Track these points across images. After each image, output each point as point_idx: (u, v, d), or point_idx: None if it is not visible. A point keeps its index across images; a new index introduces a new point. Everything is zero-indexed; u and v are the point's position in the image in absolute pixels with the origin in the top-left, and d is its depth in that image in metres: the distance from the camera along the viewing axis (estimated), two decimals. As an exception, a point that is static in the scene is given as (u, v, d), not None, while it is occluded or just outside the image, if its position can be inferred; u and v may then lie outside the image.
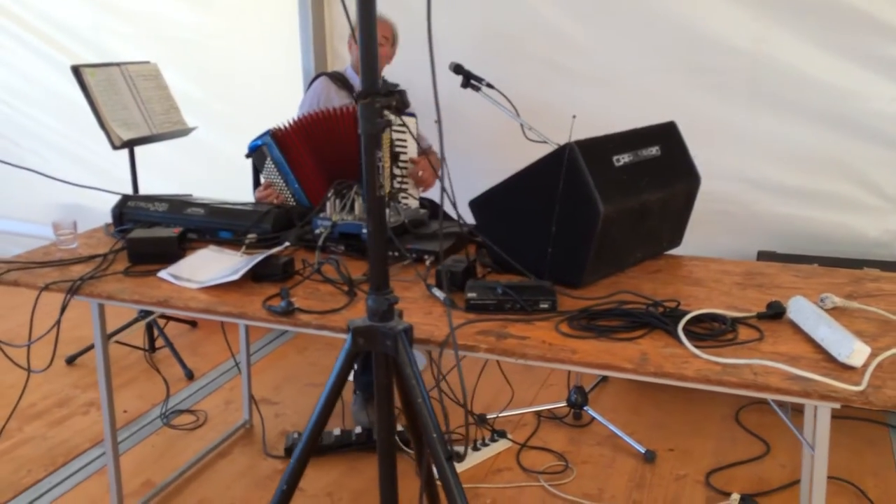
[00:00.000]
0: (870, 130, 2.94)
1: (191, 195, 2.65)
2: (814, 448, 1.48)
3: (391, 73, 3.21)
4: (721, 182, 3.18)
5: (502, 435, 2.70)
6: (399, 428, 2.74)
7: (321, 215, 2.23)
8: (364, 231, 2.16)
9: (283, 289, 1.85)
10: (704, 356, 1.52)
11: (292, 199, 2.56)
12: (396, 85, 3.21)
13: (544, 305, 1.76)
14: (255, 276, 1.97)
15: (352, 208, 2.25)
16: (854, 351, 1.44)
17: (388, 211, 2.20)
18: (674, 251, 2.21)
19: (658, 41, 3.15)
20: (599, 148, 1.91)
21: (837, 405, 1.40)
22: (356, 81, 3.03)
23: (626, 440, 2.67)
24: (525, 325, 1.69)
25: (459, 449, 2.62)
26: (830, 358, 1.49)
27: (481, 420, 2.81)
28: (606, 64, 3.26)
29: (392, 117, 3.00)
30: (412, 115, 3.07)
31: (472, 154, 3.49)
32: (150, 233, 2.16)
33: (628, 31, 3.19)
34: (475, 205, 2.08)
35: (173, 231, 2.16)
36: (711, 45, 3.06)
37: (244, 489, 2.47)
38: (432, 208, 3.03)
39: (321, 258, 2.04)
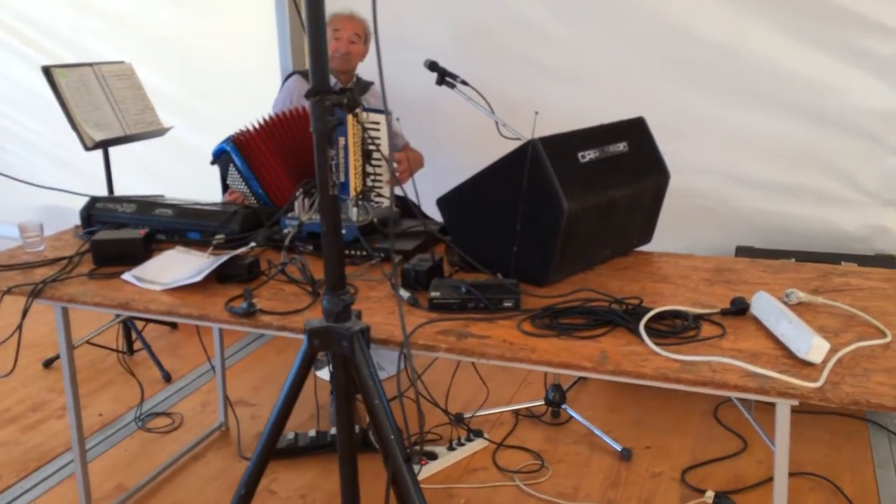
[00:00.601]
0: (848, 124, 2.93)
1: (162, 196, 2.63)
2: (775, 445, 1.46)
3: (366, 70, 3.19)
4: (700, 177, 3.17)
5: (478, 434, 2.68)
6: (375, 428, 2.73)
7: (289, 215, 2.21)
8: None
9: (246, 290, 1.82)
10: (664, 354, 1.50)
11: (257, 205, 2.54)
12: (371, 82, 3.22)
13: (508, 304, 1.74)
14: (220, 277, 1.95)
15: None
16: (812, 347, 1.42)
17: (355, 210, 2.18)
18: (647, 247, 2.19)
19: (637, 37, 3.13)
20: (564, 144, 1.89)
21: (795, 402, 1.38)
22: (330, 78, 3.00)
23: (603, 438, 2.65)
24: (487, 325, 1.68)
25: (434, 449, 2.62)
26: (791, 354, 1.48)
27: (458, 419, 2.80)
28: (585, 60, 3.24)
29: (364, 115, 3.00)
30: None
31: (450, 151, 3.47)
32: (115, 234, 2.14)
33: (607, 27, 3.17)
34: (443, 203, 2.07)
35: (139, 232, 2.14)
36: (690, 40, 3.04)
37: (217, 492, 2.45)
38: (405, 206, 3.02)
39: (286, 258, 2.02)
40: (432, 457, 2.55)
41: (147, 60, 3.87)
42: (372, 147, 3.04)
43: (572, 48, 3.24)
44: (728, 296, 1.75)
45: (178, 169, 4.06)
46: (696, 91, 3.10)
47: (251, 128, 2.52)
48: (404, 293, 1.83)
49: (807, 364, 1.44)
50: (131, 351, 3.44)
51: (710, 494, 2.32)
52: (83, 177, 4.11)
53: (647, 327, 1.60)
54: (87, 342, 3.38)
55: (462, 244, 2.03)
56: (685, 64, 3.09)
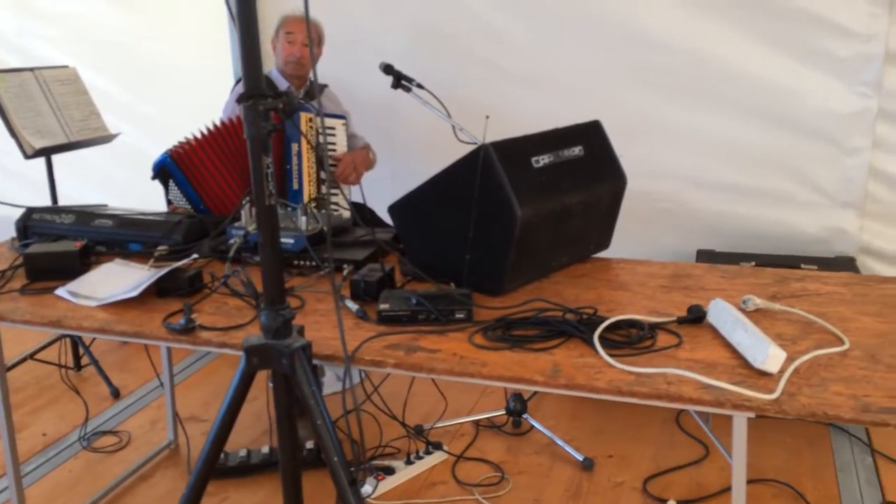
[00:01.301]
0: (807, 126, 2.92)
1: (105, 205, 2.53)
2: (731, 457, 1.42)
3: (324, 73, 3.11)
4: (661, 180, 3.14)
5: (437, 447, 2.61)
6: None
7: (236, 224, 2.12)
8: (281, 240, 2.07)
9: (186, 304, 1.74)
10: (618, 366, 1.45)
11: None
12: (325, 85, 3.14)
13: (460, 315, 1.68)
14: (160, 291, 1.86)
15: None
16: (768, 356, 1.38)
17: (304, 218, 2.11)
18: (607, 252, 2.14)
19: (599, 40, 3.10)
20: (517, 149, 1.84)
21: (751, 415, 1.34)
22: (281, 83, 2.92)
23: (565, 448, 2.60)
24: (438, 337, 1.61)
25: (391, 463, 2.55)
26: (747, 364, 1.43)
27: (417, 431, 2.73)
28: (548, 64, 3.20)
29: (319, 120, 2.92)
30: (341, 116, 2.98)
31: (411, 155, 3.41)
32: (50, 247, 2.03)
33: (569, 31, 3.13)
34: (394, 209, 2.00)
35: (75, 245, 2.04)
36: (651, 44, 3.01)
37: (164, 514, 2.35)
38: (362, 213, 2.95)
39: (229, 270, 1.94)
40: (389, 471, 2.47)
41: (97, 65, 3.76)
42: (329, 153, 2.97)
43: (535, 52, 3.19)
44: (685, 303, 1.70)
45: (130, 176, 3.93)
46: (657, 94, 3.07)
47: (192, 139, 2.42)
48: (353, 305, 1.76)
49: (763, 374, 1.40)
50: (79, 366, 3.31)
51: (672, 503, 2.28)
52: (31, 185, 3.97)
53: (602, 337, 1.55)
54: (32, 358, 3.24)
55: (415, 253, 1.97)
56: (647, 68, 3.06)
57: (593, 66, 3.12)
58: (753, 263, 2.83)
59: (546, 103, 3.19)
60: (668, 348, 1.53)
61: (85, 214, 2.25)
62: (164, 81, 3.75)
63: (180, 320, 1.67)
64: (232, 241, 2.07)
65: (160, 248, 2.10)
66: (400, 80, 2.83)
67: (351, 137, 3.01)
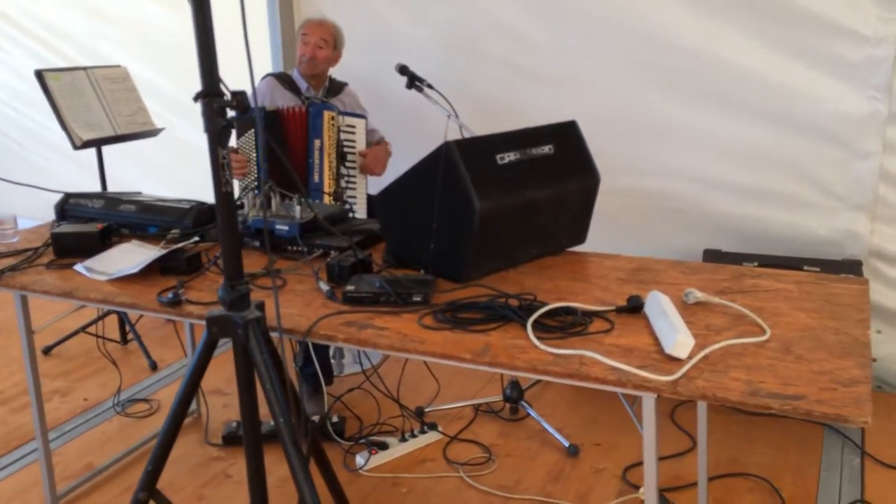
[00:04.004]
0: (818, 129, 2.92)
1: (139, 193, 2.78)
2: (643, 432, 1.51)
3: (346, 73, 3.30)
4: (672, 180, 3.19)
5: (432, 427, 2.76)
6: (335, 419, 2.83)
7: (239, 212, 2.32)
8: (278, 227, 2.27)
9: (179, 280, 1.95)
10: (542, 347, 1.56)
11: (252, 177, 2.62)
12: (345, 83, 3.32)
13: (417, 299, 1.82)
14: (163, 269, 2.08)
15: (270, 203, 2.34)
16: (676, 343, 1.47)
17: (298, 208, 2.29)
18: (604, 248, 2.21)
19: (613, 42, 3.17)
20: (482, 146, 1.96)
21: (653, 395, 1.43)
22: (301, 83, 3.12)
23: (553, 434, 2.70)
24: (392, 318, 1.76)
25: (386, 440, 2.71)
26: (662, 350, 1.52)
27: (419, 413, 2.88)
28: (563, 64, 3.29)
29: (341, 118, 3.10)
30: (362, 116, 3.16)
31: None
32: (74, 228, 2.28)
33: (584, 33, 3.21)
34: (377, 199, 2.16)
35: (96, 226, 2.29)
36: (665, 46, 3.06)
37: (174, 474, 2.57)
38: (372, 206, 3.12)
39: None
40: (383, 447, 2.64)
41: (155, 64, 4.08)
42: (347, 150, 3.16)
43: (551, 53, 3.29)
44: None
45: (185, 167, 4.23)
46: (670, 95, 3.12)
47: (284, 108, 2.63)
48: (324, 286, 1.93)
49: (674, 360, 1.49)
50: (125, 340, 3.61)
51: (643, 490, 2.36)
52: (93, 171, 4.33)
53: (541, 323, 1.66)
54: (84, 331, 3.56)
55: (394, 241, 2.12)
56: (660, 69, 3.11)
57: (609, 67, 3.20)
58: (756, 264, 2.85)
59: (564, 102, 3.27)
60: (597, 334, 1.63)
61: (112, 200, 2.50)
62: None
63: (169, 294, 1.88)
64: (235, 226, 2.27)
65: (173, 231, 2.33)
66: (413, 81, 2.99)
67: (370, 133, 3.18)
